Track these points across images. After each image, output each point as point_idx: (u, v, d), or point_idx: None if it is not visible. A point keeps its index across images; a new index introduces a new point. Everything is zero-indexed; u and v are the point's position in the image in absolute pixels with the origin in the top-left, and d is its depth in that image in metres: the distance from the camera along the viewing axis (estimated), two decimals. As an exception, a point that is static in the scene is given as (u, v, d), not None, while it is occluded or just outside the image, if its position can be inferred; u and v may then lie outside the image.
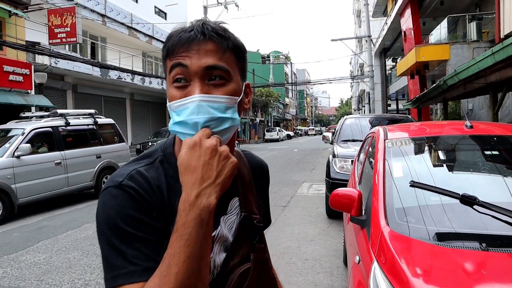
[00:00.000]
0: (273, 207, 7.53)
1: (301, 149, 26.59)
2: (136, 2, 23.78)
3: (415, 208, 2.01)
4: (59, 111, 9.24)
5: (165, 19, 26.62)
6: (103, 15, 18.67)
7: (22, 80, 13.56)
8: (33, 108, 13.31)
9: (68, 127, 8.72)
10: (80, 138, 9.11)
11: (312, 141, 39.53)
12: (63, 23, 14.59)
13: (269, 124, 55.54)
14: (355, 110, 57.27)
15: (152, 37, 23.32)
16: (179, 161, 0.73)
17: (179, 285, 0.67)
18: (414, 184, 2.08)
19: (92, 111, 9.87)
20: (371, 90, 25.33)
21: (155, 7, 25.98)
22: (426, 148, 2.56)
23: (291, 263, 4.51)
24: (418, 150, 2.53)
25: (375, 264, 1.71)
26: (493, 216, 1.81)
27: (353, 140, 7.32)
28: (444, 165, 2.43)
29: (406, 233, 1.82)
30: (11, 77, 13.11)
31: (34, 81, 13.93)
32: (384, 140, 2.61)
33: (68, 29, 14.50)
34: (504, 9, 9.64)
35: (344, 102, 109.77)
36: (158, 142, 1.01)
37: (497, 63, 4.61)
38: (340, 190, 2.35)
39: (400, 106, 28.05)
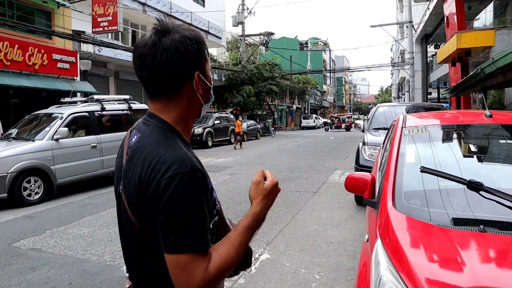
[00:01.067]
0: (303, 192, 7.76)
1: (337, 137, 26.38)
2: (175, -10, 24.20)
3: (423, 192, 2.12)
4: (95, 96, 9.60)
5: (203, 6, 26.95)
6: (143, 4, 19.25)
7: (69, 68, 14.38)
8: (78, 94, 14.10)
9: (104, 112, 9.07)
10: (115, 123, 9.42)
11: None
12: (105, 12, 15.25)
13: (306, 111, 55.20)
14: (394, 98, 55.66)
15: (190, 25, 23.71)
16: (265, 187, 1.12)
17: (239, 254, 1.06)
18: (424, 170, 2.20)
19: (127, 96, 10.18)
20: (411, 77, 24.61)
21: (193, -6, 26.33)
22: (441, 135, 2.64)
23: (315, 245, 4.69)
24: (433, 138, 2.61)
25: (378, 241, 1.86)
26: (497, 202, 1.90)
27: (384, 128, 7.30)
28: (458, 152, 2.51)
29: (411, 214, 1.94)
30: (59, 64, 13.95)
31: (80, 68, 14.72)
32: (402, 128, 2.70)
33: (110, 18, 15.14)
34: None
35: (384, 90, 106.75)
36: (150, 120, 1.15)
37: (534, 50, 4.47)
38: (355, 174, 2.49)
39: (441, 95, 27.05)
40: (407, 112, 8.11)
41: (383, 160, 3.18)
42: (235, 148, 19.12)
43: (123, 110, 9.67)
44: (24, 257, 4.47)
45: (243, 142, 20.90)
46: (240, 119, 23.00)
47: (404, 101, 37.02)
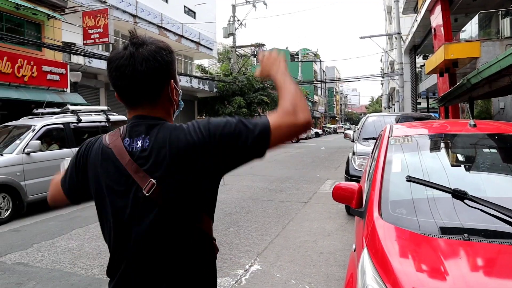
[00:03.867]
0: (294, 203, 7.75)
1: (328, 147, 26.49)
2: (166, 2, 24.39)
3: (409, 201, 2.14)
4: (71, 107, 9.12)
5: (194, 18, 27.16)
6: (134, 16, 19.34)
7: (59, 79, 14.31)
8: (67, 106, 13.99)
9: (80, 124, 8.60)
10: (92, 135, 8.96)
11: (340, 139, 39.09)
12: (96, 24, 15.27)
13: (297, 122, 55.26)
14: (385, 108, 56.19)
15: (181, 36, 23.88)
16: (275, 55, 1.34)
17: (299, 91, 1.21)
18: (409, 179, 2.22)
19: (105, 107, 9.83)
20: (401, 88, 24.91)
21: (184, 6, 26.55)
22: (427, 145, 2.68)
23: (306, 255, 4.68)
24: (419, 147, 2.64)
25: (365, 251, 1.87)
26: (481, 210, 1.93)
27: (374, 138, 7.36)
28: (443, 161, 2.54)
29: (397, 223, 1.96)
30: (49, 76, 13.88)
31: (70, 80, 14.66)
32: (388, 137, 2.74)
33: (101, 29, 15.15)
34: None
35: (374, 100, 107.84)
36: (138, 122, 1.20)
37: (518, 61, 4.58)
38: (343, 183, 2.51)
39: (430, 105, 27.41)
40: (397, 122, 8.21)
41: (370, 170, 3.21)
42: None
43: (100, 121, 9.23)
44: (10, 272, 4.39)
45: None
46: None
47: (394, 111, 37.42)
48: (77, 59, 15.27)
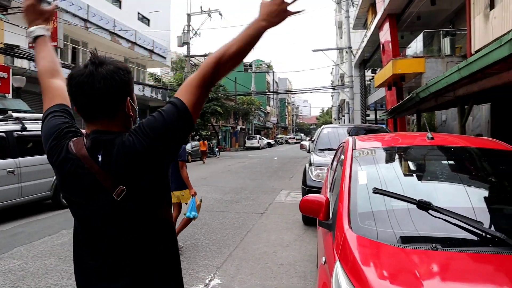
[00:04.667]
0: (251, 214, 7.70)
1: (281, 157, 26.82)
2: (120, 8, 23.73)
3: (377, 212, 2.17)
4: (15, 114, 8.51)
5: (148, 25, 26.61)
6: (85, 20, 18.59)
7: (0, 84, 13.36)
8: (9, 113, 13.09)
9: (25, 132, 7.94)
10: (39, 144, 8.32)
11: (293, 150, 39.82)
12: (43, 27, 14.45)
13: (250, 132, 55.75)
14: (335, 120, 58.03)
15: (134, 43, 23.28)
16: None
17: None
18: (376, 191, 2.26)
19: None
20: (351, 100, 25.84)
21: (138, 13, 25.97)
22: (390, 157, 2.75)
23: (266, 267, 4.63)
24: (383, 159, 2.71)
25: (338, 264, 1.85)
26: (445, 220, 1.99)
27: (330, 149, 7.53)
28: (406, 173, 2.62)
29: (367, 235, 1.97)
30: (-12, 80, 12.92)
31: (12, 85, 13.74)
32: (352, 150, 2.78)
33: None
34: (474, 27, 10.12)
35: (325, 111, 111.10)
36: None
37: (463, 78, 4.88)
38: (310, 196, 2.50)
39: (379, 116, 28.69)
40: (349, 134, 8.46)
41: (334, 182, 3.24)
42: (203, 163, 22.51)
43: None
44: None
45: (191, 162, 22.71)
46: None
47: (344, 122, 38.71)
48: (21, 63, 14.36)
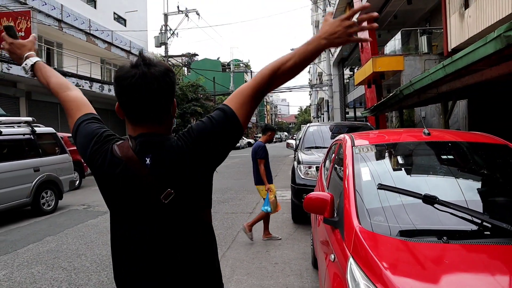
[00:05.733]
0: (239, 214, 7.68)
1: (263, 157, 26.81)
2: (95, 7, 23.22)
3: (383, 208, 2.19)
4: None
5: (125, 25, 26.15)
6: (59, 20, 18.09)
7: (-28, 87, 12.86)
8: None
9: (0, 137, 7.59)
10: (15, 150, 7.94)
11: (274, 148, 39.93)
12: (16, 27, 13.99)
13: (230, 132, 55.52)
14: (314, 118, 58.59)
15: (111, 44, 22.82)
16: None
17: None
18: (381, 187, 2.29)
19: (29, 119, 8.78)
20: (330, 98, 26.11)
21: (114, 13, 25.48)
22: (391, 153, 2.79)
23: (261, 267, 4.62)
24: (384, 156, 2.75)
25: (351, 260, 1.87)
26: (451, 213, 2.03)
27: (317, 147, 7.58)
28: (407, 168, 2.66)
29: (377, 230, 1.99)
30: (-40, 83, 12.42)
31: (-15, 88, 13.26)
32: (352, 147, 2.80)
33: (23, 33, 13.93)
34: (450, 26, 10.40)
35: (303, 110, 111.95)
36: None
37: (447, 75, 5.01)
38: (313, 194, 2.51)
39: (358, 114, 29.11)
40: (331, 131, 8.55)
41: (331, 179, 3.26)
42: None
43: (24, 134, 8.21)
44: None
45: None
46: None
47: (323, 120, 39.10)
48: (-7, 66, 13.86)
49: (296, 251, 5.21)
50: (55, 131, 9.40)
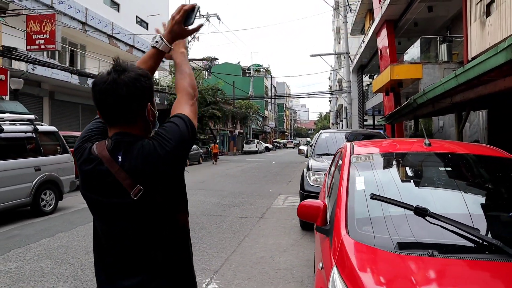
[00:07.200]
0: (248, 218, 7.70)
1: (279, 162, 26.83)
2: (118, 11, 23.75)
3: (374, 218, 2.18)
4: None
5: (147, 29, 26.63)
6: (83, 23, 18.60)
7: (-3, 86, 13.32)
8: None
9: (1, 134, 7.42)
10: (16, 148, 7.85)
11: (291, 154, 39.87)
12: (42, 29, 14.48)
13: (248, 136, 55.76)
14: (333, 124, 58.16)
15: (132, 47, 23.30)
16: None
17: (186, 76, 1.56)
18: (374, 197, 2.27)
19: (32, 116, 8.71)
20: (349, 105, 25.92)
21: (136, 17, 25.99)
22: (388, 163, 2.76)
23: (263, 272, 4.62)
24: (380, 165, 2.72)
25: (334, 269, 1.86)
26: (442, 226, 2.00)
27: (328, 154, 7.54)
28: (404, 179, 2.63)
29: (364, 241, 1.98)
30: (-14, 82, 12.88)
31: (10, 87, 13.71)
32: (350, 155, 2.79)
33: (47, 36, 14.38)
34: (471, 34, 10.19)
35: (322, 116, 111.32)
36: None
37: (459, 85, 4.92)
38: (307, 201, 2.51)
39: (376, 122, 28.77)
40: (346, 139, 8.48)
41: (332, 187, 3.26)
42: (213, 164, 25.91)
43: (26, 132, 8.06)
44: None
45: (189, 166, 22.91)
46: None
47: (342, 127, 38.79)
48: (18, 65, 14.33)
49: (301, 258, 5.19)
50: (57, 130, 9.25)
